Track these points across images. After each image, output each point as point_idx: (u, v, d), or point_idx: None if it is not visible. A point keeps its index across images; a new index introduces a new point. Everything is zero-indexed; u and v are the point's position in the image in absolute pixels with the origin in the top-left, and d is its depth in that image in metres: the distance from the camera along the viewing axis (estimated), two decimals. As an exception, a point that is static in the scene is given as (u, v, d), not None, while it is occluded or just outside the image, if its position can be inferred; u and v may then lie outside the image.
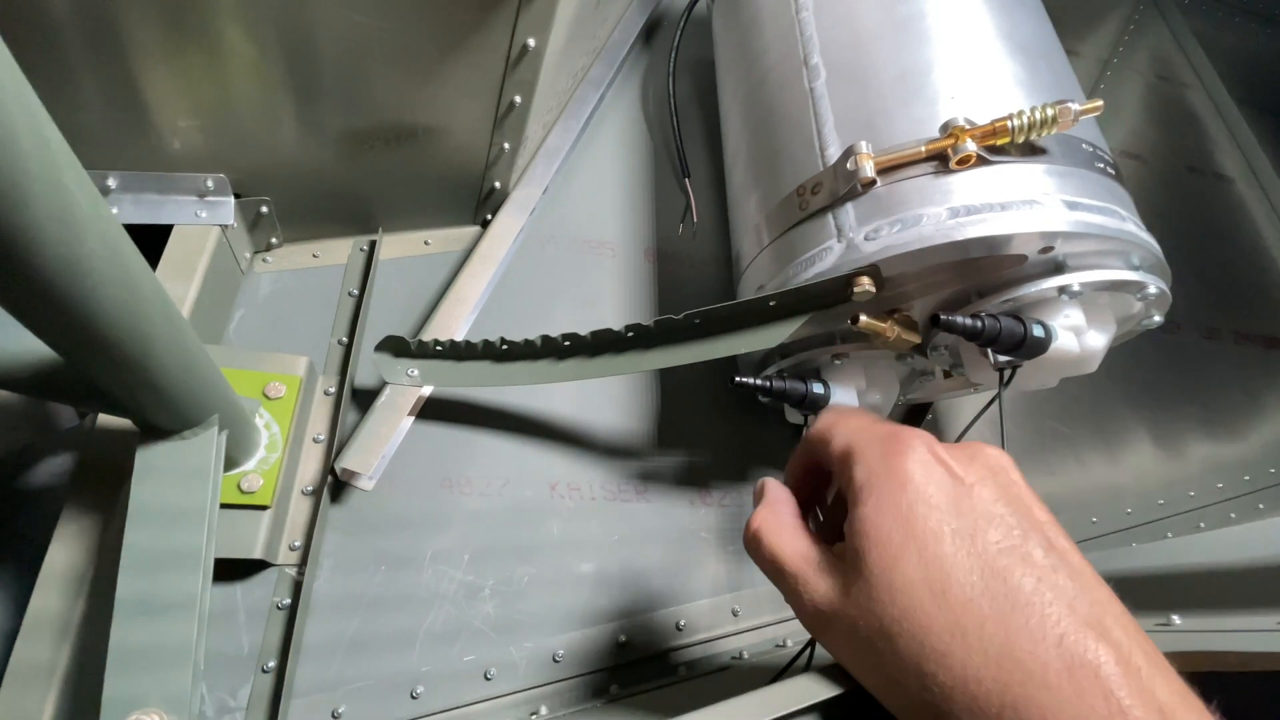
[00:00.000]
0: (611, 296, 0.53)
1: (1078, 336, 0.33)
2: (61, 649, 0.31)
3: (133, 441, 0.33)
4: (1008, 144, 0.31)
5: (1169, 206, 0.80)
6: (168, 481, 0.28)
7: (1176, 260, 0.35)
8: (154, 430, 0.28)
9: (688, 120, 0.61)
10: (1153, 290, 0.33)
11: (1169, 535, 0.57)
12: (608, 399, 0.48)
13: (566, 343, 0.40)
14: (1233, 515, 0.61)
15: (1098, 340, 0.33)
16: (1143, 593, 0.32)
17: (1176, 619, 0.29)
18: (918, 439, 0.22)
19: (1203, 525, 0.59)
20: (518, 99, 0.40)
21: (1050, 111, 0.30)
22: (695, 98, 0.64)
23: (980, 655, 0.18)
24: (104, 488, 0.34)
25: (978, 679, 0.18)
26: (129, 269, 0.19)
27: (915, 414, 0.54)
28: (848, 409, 0.24)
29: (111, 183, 0.38)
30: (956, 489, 0.21)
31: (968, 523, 0.20)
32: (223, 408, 0.30)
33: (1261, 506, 0.61)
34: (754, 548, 0.25)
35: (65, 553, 0.32)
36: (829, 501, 0.27)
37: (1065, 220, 0.30)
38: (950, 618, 0.19)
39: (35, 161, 0.15)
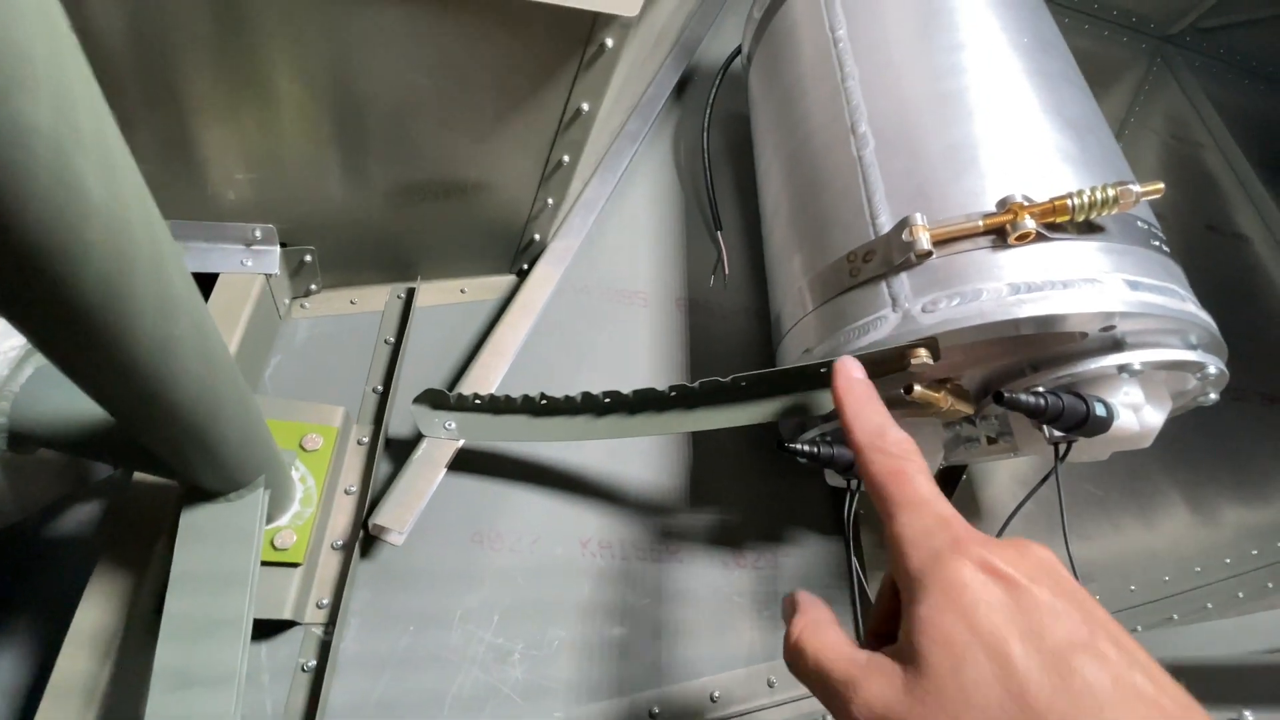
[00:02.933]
0: (644, 346, 0.53)
1: (1136, 413, 0.32)
2: (87, 714, 0.29)
3: (169, 495, 0.32)
4: (1066, 221, 0.31)
5: (1190, 266, 0.80)
6: (212, 545, 0.27)
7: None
8: (200, 492, 0.28)
9: (718, 173, 0.62)
10: (1212, 370, 0.32)
11: (1209, 605, 0.56)
12: (640, 455, 0.48)
13: (606, 400, 0.40)
14: (1270, 585, 0.59)
15: (1155, 417, 0.33)
16: (1208, 684, 0.31)
17: (1249, 715, 0.28)
18: (972, 541, 0.22)
19: (1241, 595, 0.58)
20: (566, 158, 0.41)
21: (1112, 192, 0.30)
22: (725, 151, 0.65)
23: None
24: (137, 543, 0.33)
25: None
26: (211, 346, 0.19)
27: (950, 475, 0.53)
28: (915, 483, 0.23)
29: (161, 230, 0.38)
30: (1012, 588, 0.20)
31: (1033, 620, 0.20)
32: (269, 467, 0.29)
33: (1299, 576, 0.60)
34: (796, 658, 0.24)
35: (95, 612, 0.31)
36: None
37: (1128, 300, 0.29)
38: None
39: (144, 246, 0.15)
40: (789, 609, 0.26)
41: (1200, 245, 0.86)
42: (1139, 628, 0.52)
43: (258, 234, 0.39)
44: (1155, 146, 0.94)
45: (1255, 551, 0.62)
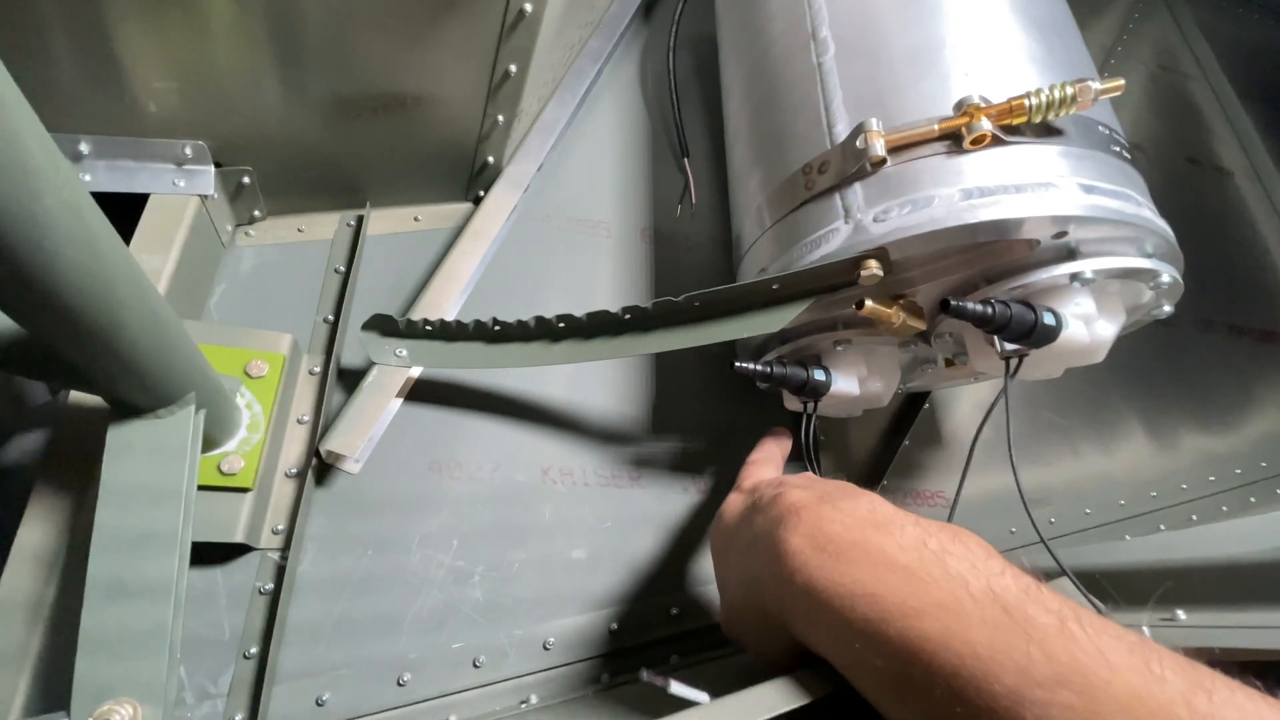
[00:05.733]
0: (607, 277, 0.51)
1: (1087, 325, 0.32)
2: (34, 632, 0.29)
3: (107, 420, 0.32)
4: (1024, 124, 0.30)
5: (1167, 197, 0.79)
6: (141, 461, 0.26)
7: (1171, 251, 0.35)
8: (126, 407, 0.27)
9: (687, 98, 0.60)
10: (1165, 279, 0.32)
11: (1162, 527, 0.57)
12: (601, 382, 0.47)
13: (561, 324, 0.39)
14: (1224, 509, 0.61)
15: (1107, 330, 0.33)
16: (1144, 586, 0.31)
17: (1181, 614, 0.29)
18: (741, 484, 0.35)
19: (1195, 518, 0.59)
20: (513, 68, 0.39)
21: (1070, 90, 0.29)
22: (695, 75, 0.62)
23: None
24: (77, 467, 0.32)
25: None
26: (93, 232, 0.18)
27: (912, 404, 0.53)
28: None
29: (84, 148, 0.36)
30: (743, 494, 0.33)
31: (736, 518, 0.31)
32: (200, 385, 0.29)
33: (1253, 500, 0.62)
34: None
35: (36, 533, 0.31)
36: None
37: (1081, 204, 0.29)
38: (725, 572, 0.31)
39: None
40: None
41: (1180, 178, 0.84)
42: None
43: (188, 151, 0.37)
44: (1141, 77, 0.92)
45: (1212, 478, 0.63)
